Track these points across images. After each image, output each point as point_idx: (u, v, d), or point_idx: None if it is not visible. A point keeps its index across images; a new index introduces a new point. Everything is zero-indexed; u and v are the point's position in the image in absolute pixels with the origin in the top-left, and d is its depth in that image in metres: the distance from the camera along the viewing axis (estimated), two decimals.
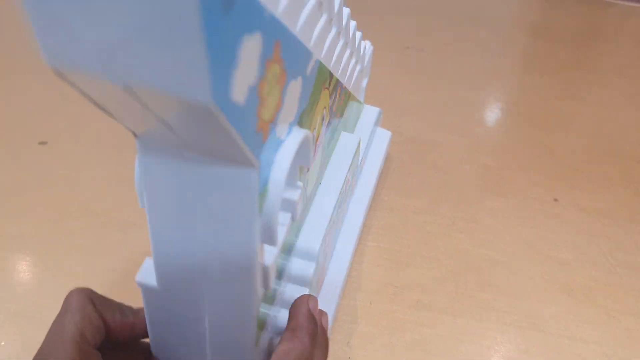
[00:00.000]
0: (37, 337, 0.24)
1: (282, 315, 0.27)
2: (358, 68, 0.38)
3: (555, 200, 0.47)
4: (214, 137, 0.16)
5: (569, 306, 0.39)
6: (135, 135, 0.19)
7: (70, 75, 0.15)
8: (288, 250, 0.28)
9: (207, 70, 0.13)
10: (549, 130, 0.55)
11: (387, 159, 0.49)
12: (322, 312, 0.26)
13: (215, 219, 0.20)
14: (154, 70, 0.13)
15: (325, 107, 0.28)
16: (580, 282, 0.40)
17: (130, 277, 0.33)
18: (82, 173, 0.45)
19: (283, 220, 0.22)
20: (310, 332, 0.24)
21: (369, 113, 0.45)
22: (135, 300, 0.26)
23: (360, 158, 0.40)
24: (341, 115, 0.35)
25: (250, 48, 0.15)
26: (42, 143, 0.47)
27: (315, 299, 0.26)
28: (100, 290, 0.35)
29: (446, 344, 0.35)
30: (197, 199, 0.20)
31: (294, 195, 0.22)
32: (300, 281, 0.29)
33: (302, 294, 0.26)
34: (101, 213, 0.42)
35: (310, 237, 0.30)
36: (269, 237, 0.21)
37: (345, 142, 0.36)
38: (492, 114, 0.57)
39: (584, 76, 0.65)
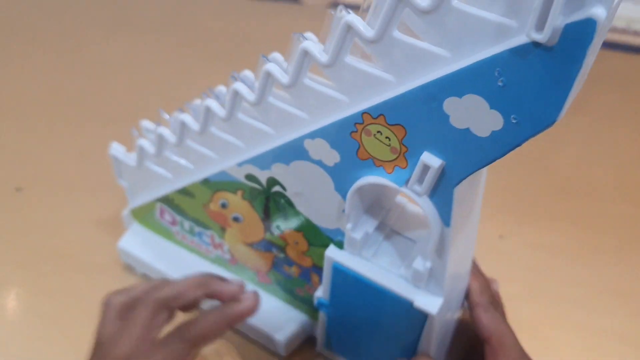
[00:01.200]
0: None
1: None
2: None
3: (501, 236, 0.48)
4: None
5: None
6: None
7: None
8: None
9: None
10: (496, 164, 0.56)
11: None
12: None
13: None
14: None
15: None
16: (524, 316, 0.41)
17: (95, 316, 0.35)
18: (54, 218, 0.48)
19: None
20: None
21: None
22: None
23: None
24: None
25: None
26: (18, 189, 0.50)
27: None
28: (67, 327, 0.36)
29: None
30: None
31: None
32: None
33: None
34: (70, 255, 0.45)
35: None
36: None
37: None
38: None
39: None
